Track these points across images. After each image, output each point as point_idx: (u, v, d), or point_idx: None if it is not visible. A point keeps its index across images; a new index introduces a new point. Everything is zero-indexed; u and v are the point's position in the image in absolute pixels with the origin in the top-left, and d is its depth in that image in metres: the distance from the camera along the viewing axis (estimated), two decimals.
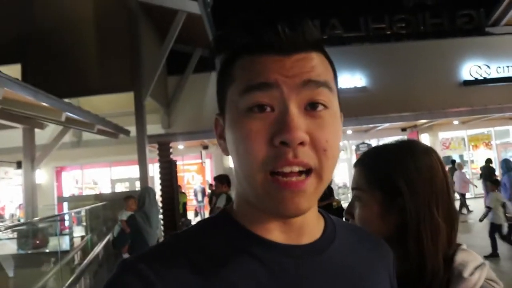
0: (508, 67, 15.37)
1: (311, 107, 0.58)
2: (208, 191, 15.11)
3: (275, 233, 0.64)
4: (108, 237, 7.69)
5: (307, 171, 0.57)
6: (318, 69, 0.60)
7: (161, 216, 10.69)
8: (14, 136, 9.87)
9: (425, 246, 0.91)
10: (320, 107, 0.59)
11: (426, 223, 0.93)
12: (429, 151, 1.02)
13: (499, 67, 15.38)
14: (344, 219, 1.05)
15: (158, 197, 11.27)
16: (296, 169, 0.56)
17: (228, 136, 0.63)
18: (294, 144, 0.55)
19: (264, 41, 0.59)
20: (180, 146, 14.02)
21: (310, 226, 0.66)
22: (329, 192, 7.10)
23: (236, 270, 0.59)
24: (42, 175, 14.40)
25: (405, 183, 0.95)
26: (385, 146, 1.06)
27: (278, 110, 0.57)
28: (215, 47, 0.66)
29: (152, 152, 11.09)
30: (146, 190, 5.62)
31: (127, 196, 6.12)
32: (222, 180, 5.88)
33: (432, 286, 0.88)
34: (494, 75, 15.37)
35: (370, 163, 1.03)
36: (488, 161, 12.07)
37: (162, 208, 10.79)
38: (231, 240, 0.63)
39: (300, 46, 0.59)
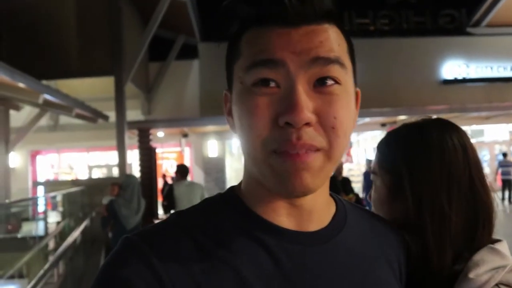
0: (487, 67, 15.69)
1: (321, 83, 0.55)
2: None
3: (282, 216, 0.61)
4: (85, 223, 7.57)
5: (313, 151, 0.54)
6: (329, 44, 0.55)
7: None
8: None
9: (428, 238, 0.81)
10: (330, 82, 0.55)
11: (430, 212, 0.82)
12: (446, 128, 0.88)
13: (478, 67, 15.68)
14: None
15: None
16: (301, 151, 0.53)
17: (234, 112, 0.60)
18: (299, 125, 0.52)
19: (270, 12, 0.55)
20: (160, 133, 13.86)
21: (320, 211, 0.64)
22: (343, 186, 6.75)
23: (240, 254, 0.57)
24: (16, 159, 14.04)
25: (406, 165, 0.86)
26: (400, 126, 0.96)
27: (284, 88, 0.54)
28: (221, 19, 0.63)
29: (131, 138, 10.93)
30: (130, 178, 5.62)
31: (113, 183, 6.23)
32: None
33: (438, 281, 0.80)
34: (473, 75, 15.67)
35: (382, 145, 0.95)
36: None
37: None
38: (237, 222, 0.60)
39: (309, 17, 0.55)
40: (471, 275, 0.76)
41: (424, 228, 0.82)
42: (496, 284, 0.75)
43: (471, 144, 0.89)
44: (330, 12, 0.57)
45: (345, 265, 0.61)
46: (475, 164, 0.87)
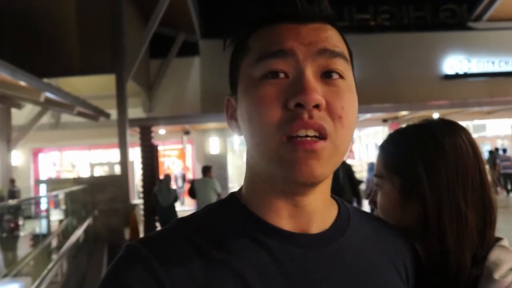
0: (488, 62, 15.64)
1: (327, 76, 0.57)
2: (188, 177, 15.08)
3: (284, 219, 0.61)
4: (88, 221, 7.59)
5: (322, 137, 0.55)
6: (334, 40, 0.59)
7: (141, 201, 10.63)
8: None
9: (448, 240, 0.80)
10: (336, 76, 0.58)
11: (449, 213, 0.82)
12: (455, 129, 0.88)
13: (480, 62, 15.63)
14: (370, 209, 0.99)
15: (140, 182, 11.21)
16: (311, 133, 0.54)
17: (240, 109, 0.61)
18: (310, 105, 0.54)
19: (281, 12, 0.59)
20: (161, 130, 13.86)
21: (321, 213, 0.63)
22: (353, 192, 6.55)
23: (241, 256, 0.57)
24: (18, 157, 14.07)
25: (423, 167, 0.84)
26: (405, 127, 0.95)
27: (293, 76, 0.56)
28: (232, 22, 0.65)
29: (132, 136, 10.94)
30: (165, 176, 8.89)
31: (157, 178, 9.83)
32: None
33: (457, 285, 0.78)
34: (474, 69, 15.63)
35: (389, 147, 0.93)
36: None
37: (142, 193, 10.71)
38: (238, 225, 0.61)
39: (315, 16, 0.59)
40: (496, 276, 0.75)
41: (443, 229, 0.81)
42: None
43: (473, 140, 0.89)
44: (332, 17, 0.62)
45: (348, 268, 0.61)
46: (480, 159, 0.87)
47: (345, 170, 6.43)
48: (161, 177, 9.56)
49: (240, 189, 0.67)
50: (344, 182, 6.39)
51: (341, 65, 0.58)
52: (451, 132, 0.88)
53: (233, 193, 0.68)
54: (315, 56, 0.57)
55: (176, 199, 8.56)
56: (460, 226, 0.81)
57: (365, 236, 0.67)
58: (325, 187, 0.63)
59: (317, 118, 0.54)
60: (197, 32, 13.89)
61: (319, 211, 0.63)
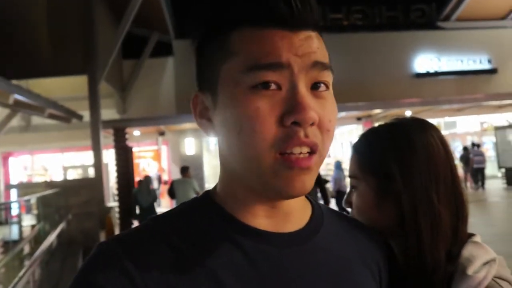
0: (457, 60, 16.05)
1: (314, 87, 0.57)
2: (164, 178, 14.94)
3: (260, 218, 0.61)
4: (61, 225, 7.43)
5: (313, 151, 0.56)
6: (323, 50, 0.59)
7: (117, 204, 10.49)
8: None
9: (423, 238, 0.81)
10: (323, 87, 0.58)
11: (424, 211, 0.83)
12: (426, 127, 0.90)
13: (449, 61, 16.02)
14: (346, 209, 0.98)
15: (114, 184, 11.06)
16: (305, 150, 0.55)
17: (222, 116, 0.58)
18: (307, 124, 0.54)
19: (276, 13, 0.55)
20: (136, 132, 13.70)
21: (297, 213, 0.64)
22: (321, 193, 6.73)
23: (216, 256, 0.57)
24: None
25: (397, 165, 0.85)
26: (377, 126, 0.96)
27: (286, 89, 0.55)
28: (215, 16, 0.60)
29: (106, 138, 10.76)
30: (145, 177, 9.43)
31: (138, 180, 9.84)
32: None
33: (433, 283, 0.80)
34: (444, 68, 16.00)
35: (361, 147, 0.94)
36: None
37: (117, 195, 10.57)
38: (213, 224, 0.60)
39: (307, 23, 0.57)
40: (469, 271, 0.77)
41: (419, 227, 0.83)
42: (494, 279, 0.77)
43: (443, 137, 0.91)
44: (317, 22, 0.60)
45: (322, 267, 0.61)
46: (450, 156, 0.89)
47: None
48: (141, 178, 9.99)
49: (215, 188, 0.66)
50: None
51: (328, 77, 0.58)
52: (422, 130, 0.89)
53: (208, 191, 0.67)
54: (308, 69, 0.56)
55: (155, 199, 8.86)
56: (434, 223, 0.83)
57: (338, 236, 0.68)
58: None
59: (312, 136, 0.54)
60: (171, 32, 13.75)
61: (295, 211, 0.63)
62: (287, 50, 0.55)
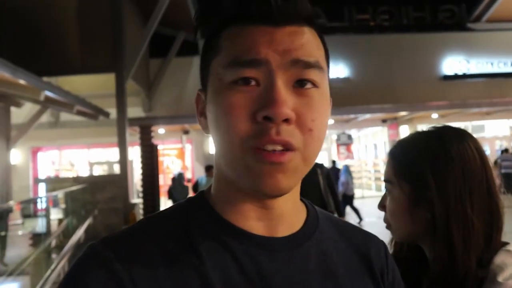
0: (487, 63, 15.67)
1: (299, 84, 0.55)
2: (187, 176, 15.07)
3: (251, 221, 0.60)
4: (88, 221, 7.59)
5: (289, 149, 0.54)
6: (309, 47, 0.56)
7: (141, 200, 10.63)
8: None
9: (455, 245, 0.82)
10: (309, 85, 0.55)
11: (456, 220, 0.84)
12: (463, 136, 0.91)
13: (479, 63, 15.66)
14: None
15: (139, 181, 11.22)
16: (278, 148, 0.53)
17: (209, 112, 0.59)
18: (278, 119, 0.52)
19: (254, 11, 0.55)
20: (161, 130, 13.86)
21: (290, 216, 0.63)
22: (334, 204, 5.13)
23: (206, 259, 0.56)
24: (17, 156, 14.05)
25: (431, 174, 0.86)
26: (414, 133, 0.97)
27: (264, 84, 0.54)
28: (200, 16, 0.61)
29: (131, 135, 10.94)
30: (178, 174, 10.05)
31: (172, 177, 10.57)
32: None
33: (464, 287, 0.81)
34: (473, 70, 15.65)
35: (398, 153, 0.95)
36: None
37: (142, 192, 10.71)
38: (204, 227, 0.59)
39: (291, 17, 0.56)
40: (500, 278, 0.77)
41: (451, 235, 0.83)
42: None
43: (480, 147, 0.91)
44: (311, 16, 0.58)
45: (314, 272, 0.60)
46: (487, 166, 0.89)
47: (325, 177, 5.30)
48: (174, 175, 10.64)
49: (209, 188, 0.66)
50: (326, 192, 5.27)
51: (315, 75, 0.56)
52: (459, 140, 0.90)
53: (202, 192, 0.66)
54: (288, 66, 0.54)
55: (188, 194, 9.43)
56: (467, 232, 0.83)
57: (333, 241, 0.66)
58: (295, 190, 0.61)
59: (284, 134, 0.52)
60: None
61: (288, 214, 0.62)
62: (266, 47, 0.54)
